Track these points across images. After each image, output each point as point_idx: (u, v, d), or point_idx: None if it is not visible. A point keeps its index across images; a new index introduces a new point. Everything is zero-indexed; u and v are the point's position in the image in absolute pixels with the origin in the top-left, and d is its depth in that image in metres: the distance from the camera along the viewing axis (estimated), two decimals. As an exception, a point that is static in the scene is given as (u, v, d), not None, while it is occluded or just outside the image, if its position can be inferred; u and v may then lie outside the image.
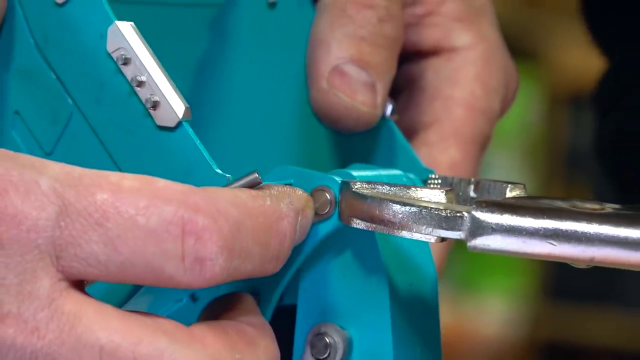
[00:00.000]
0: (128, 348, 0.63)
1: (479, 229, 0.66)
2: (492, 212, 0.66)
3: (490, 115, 0.81)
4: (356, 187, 0.68)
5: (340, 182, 0.69)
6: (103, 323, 0.63)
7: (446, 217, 0.66)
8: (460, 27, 0.82)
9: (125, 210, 0.63)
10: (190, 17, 0.79)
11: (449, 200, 0.68)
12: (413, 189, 0.69)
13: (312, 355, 0.69)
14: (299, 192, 0.68)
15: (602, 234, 0.65)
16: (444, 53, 0.82)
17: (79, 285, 0.64)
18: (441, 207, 0.67)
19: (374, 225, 0.68)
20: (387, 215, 0.67)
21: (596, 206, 0.66)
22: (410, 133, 0.79)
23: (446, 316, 3.53)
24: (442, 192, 0.69)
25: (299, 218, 0.67)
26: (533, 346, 3.46)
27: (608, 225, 0.65)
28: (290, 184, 0.69)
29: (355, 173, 0.70)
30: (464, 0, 0.83)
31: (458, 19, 0.82)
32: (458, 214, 0.66)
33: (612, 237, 0.65)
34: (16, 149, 0.72)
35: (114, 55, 0.68)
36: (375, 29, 0.77)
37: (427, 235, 0.67)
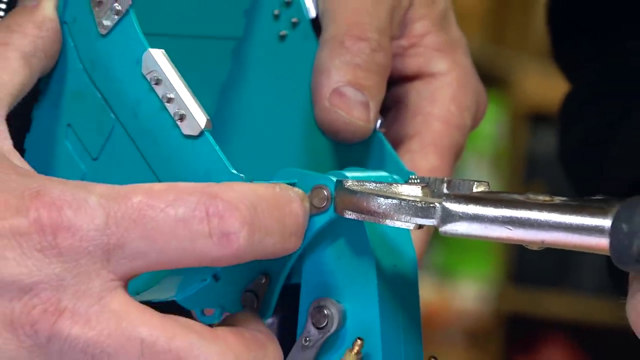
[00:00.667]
0: (165, 341, 0.62)
1: (449, 217, 0.66)
2: (459, 202, 0.66)
3: (463, 130, 0.80)
4: (348, 184, 0.68)
5: (335, 181, 0.68)
6: (144, 320, 0.63)
7: (421, 207, 0.66)
8: (438, 56, 0.81)
9: (157, 205, 0.63)
10: (214, 48, 0.79)
11: (424, 194, 0.67)
12: (395, 185, 0.69)
13: (313, 324, 0.69)
14: (296, 188, 0.67)
15: (550, 220, 0.64)
16: (424, 77, 0.81)
17: (125, 287, 0.64)
18: (417, 199, 0.67)
19: (363, 216, 0.68)
20: (373, 207, 0.67)
21: (547, 198, 0.66)
22: (396, 143, 0.78)
23: (430, 295, 3.55)
24: (419, 187, 0.69)
25: (305, 204, 0.67)
26: (499, 319, 3.51)
27: (556, 213, 0.64)
28: (294, 183, 0.68)
29: (348, 174, 0.70)
30: (442, 33, 0.81)
31: (437, 50, 0.81)
32: (431, 205, 0.66)
33: (559, 223, 0.65)
34: (68, 155, 0.72)
35: (148, 77, 0.68)
36: (368, 57, 0.77)
37: (407, 223, 0.67)
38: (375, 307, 0.69)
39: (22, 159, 0.67)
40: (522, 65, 3.25)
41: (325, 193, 0.68)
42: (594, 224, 0.65)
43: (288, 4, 0.79)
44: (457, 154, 0.79)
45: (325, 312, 0.68)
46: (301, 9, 0.78)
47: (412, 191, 0.69)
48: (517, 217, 0.66)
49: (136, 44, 0.68)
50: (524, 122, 3.34)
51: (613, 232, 0.64)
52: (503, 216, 0.65)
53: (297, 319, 0.70)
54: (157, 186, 0.64)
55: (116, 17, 0.69)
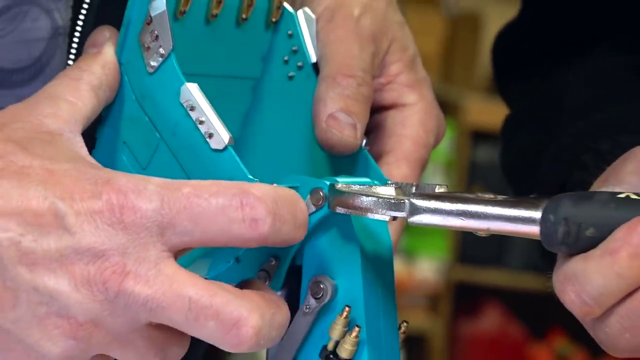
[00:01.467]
0: (207, 298, 0.61)
1: (415, 210, 0.66)
2: (424, 199, 0.66)
3: (428, 147, 0.79)
4: (338, 186, 0.67)
5: (328, 184, 0.67)
6: (191, 282, 0.62)
7: (394, 203, 0.66)
8: (409, 91, 0.79)
9: (202, 195, 0.62)
10: (238, 85, 0.78)
11: (397, 193, 0.68)
12: (374, 187, 0.69)
13: (312, 295, 0.69)
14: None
15: (494, 213, 0.64)
16: (398, 107, 0.79)
17: (175, 258, 0.63)
18: (391, 197, 0.66)
19: (350, 210, 0.67)
20: (357, 203, 0.66)
21: (491, 196, 0.66)
22: (377, 157, 0.77)
23: (398, 269, 3.64)
24: (392, 188, 0.69)
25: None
26: (449, 288, 3.51)
27: (498, 207, 0.64)
28: (297, 187, 0.68)
29: (339, 180, 0.69)
30: (412, 73, 0.80)
31: (407, 86, 0.79)
32: (402, 201, 0.66)
33: (501, 214, 0.65)
34: (124, 166, 0.71)
35: (184, 104, 0.67)
36: (355, 90, 0.75)
37: (383, 215, 0.66)
38: (360, 282, 0.68)
39: (94, 160, 0.66)
40: (466, 96, 3.28)
41: (321, 194, 0.67)
42: (528, 215, 0.64)
43: (295, 52, 0.77)
44: (423, 166, 0.79)
45: (321, 286, 0.68)
46: (305, 56, 0.77)
47: (387, 191, 0.68)
48: (469, 210, 0.65)
49: (176, 80, 0.67)
50: (468, 138, 3.37)
51: (542, 222, 0.64)
52: (457, 209, 0.65)
53: (299, 292, 0.69)
54: (204, 182, 0.63)
55: (160, 59, 0.68)
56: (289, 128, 0.77)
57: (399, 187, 0.69)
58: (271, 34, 0.76)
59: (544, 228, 0.63)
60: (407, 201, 0.65)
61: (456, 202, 0.65)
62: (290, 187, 0.67)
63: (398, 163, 0.77)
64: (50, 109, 0.66)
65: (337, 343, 0.66)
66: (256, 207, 0.61)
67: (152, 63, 0.67)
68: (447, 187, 0.68)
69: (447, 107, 3.16)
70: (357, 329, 0.66)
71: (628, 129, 0.83)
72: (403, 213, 0.66)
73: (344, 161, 0.75)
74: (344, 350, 0.66)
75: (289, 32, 0.76)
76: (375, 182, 0.71)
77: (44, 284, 0.60)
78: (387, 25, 0.78)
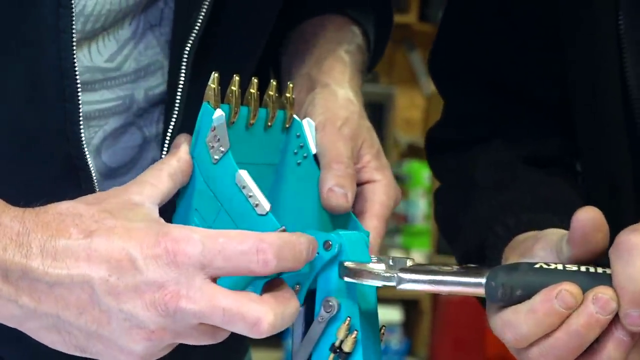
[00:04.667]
0: (237, 307, 0.66)
1: (401, 281, 0.72)
2: (406, 273, 0.72)
3: (390, 209, 0.84)
4: (346, 264, 0.72)
5: (338, 235, 0.73)
6: (224, 296, 0.66)
7: (387, 277, 0.72)
8: (376, 172, 0.85)
9: (231, 243, 0.67)
10: (267, 169, 0.82)
11: (387, 268, 0.73)
12: (371, 264, 0.73)
13: (324, 310, 0.75)
14: (310, 236, 0.70)
15: (452, 280, 0.71)
16: (370, 183, 0.85)
17: (214, 282, 0.67)
18: (383, 272, 0.73)
19: (354, 279, 0.73)
20: (360, 276, 0.73)
21: (449, 268, 0.71)
22: (357, 215, 0.83)
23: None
24: (384, 264, 0.74)
25: (310, 247, 0.70)
26: None
27: (454, 276, 0.71)
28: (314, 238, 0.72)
29: (341, 232, 0.75)
30: (377, 161, 0.86)
31: (375, 169, 0.85)
32: (392, 275, 0.72)
33: (457, 281, 0.71)
34: (195, 225, 0.76)
35: (238, 184, 0.73)
36: (345, 172, 0.82)
37: (378, 283, 0.72)
38: (356, 302, 0.75)
39: (163, 220, 0.70)
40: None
41: (331, 242, 0.75)
42: (475, 281, 0.71)
43: (301, 147, 0.83)
44: (387, 222, 0.84)
45: (330, 303, 0.75)
46: (308, 149, 0.83)
47: (380, 267, 0.73)
48: (435, 280, 0.71)
49: (232, 168, 0.74)
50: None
51: (486, 286, 0.71)
52: (428, 279, 0.71)
53: (314, 307, 0.75)
54: (232, 232, 0.67)
55: (221, 153, 0.74)
56: (301, 197, 0.82)
57: (382, 261, 0.74)
58: (285, 135, 0.82)
59: (488, 290, 0.71)
60: (396, 275, 0.71)
61: (427, 274, 0.71)
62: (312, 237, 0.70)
63: (371, 219, 0.83)
64: (137, 189, 0.71)
65: (341, 342, 0.74)
66: (267, 253, 0.66)
67: (215, 157, 0.74)
68: (413, 260, 0.74)
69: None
70: (355, 332, 0.74)
71: (526, 209, 0.87)
72: (393, 283, 0.71)
73: (339, 218, 0.81)
74: (347, 347, 0.74)
75: (297, 134, 0.82)
76: (362, 232, 0.78)
77: (126, 308, 0.66)
78: (360, 130, 0.85)
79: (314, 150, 0.83)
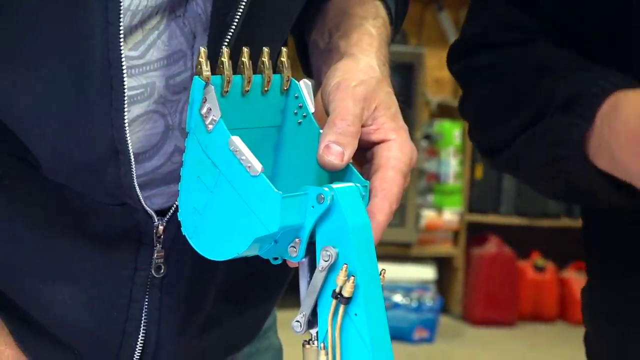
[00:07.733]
0: None
1: None
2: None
3: (406, 165, 0.83)
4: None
5: (329, 189, 0.75)
6: None
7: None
8: (391, 132, 0.84)
9: None
10: (267, 132, 0.83)
11: None
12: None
13: (323, 259, 0.76)
14: None
15: None
16: (384, 141, 0.84)
17: None
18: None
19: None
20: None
21: None
22: (374, 170, 0.82)
23: (434, 216, 4.52)
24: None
25: None
26: (464, 225, 4.54)
27: None
28: (307, 193, 0.76)
29: (333, 185, 0.76)
30: (393, 122, 0.85)
31: (390, 129, 0.84)
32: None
33: None
34: (199, 191, 0.77)
35: (232, 149, 0.75)
36: (345, 129, 0.81)
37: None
38: (352, 249, 0.76)
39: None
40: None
41: (323, 195, 0.76)
42: None
43: (300, 107, 0.83)
44: (406, 176, 0.82)
45: (328, 252, 0.76)
46: (307, 109, 0.83)
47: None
48: None
49: (225, 134, 0.76)
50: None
51: None
52: None
53: (315, 257, 0.77)
54: None
55: (215, 122, 0.76)
56: (301, 156, 0.83)
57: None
58: (285, 97, 0.82)
59: None
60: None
61: None
62: (302, 194, 0.74)
63: (387, 170, 0.82)
64: None
65: (341, 288, 0.75)
66: None
67: (210, 126, 0.76)
68: None
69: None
70: (353, 277, 0.75)
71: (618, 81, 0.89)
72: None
73: (338, 173, 0.81)
74: (346, 292, 0.75)
75: (295, 95, 0.83)
76: (358, 184, 0.78)
77: None
78: (376, 93, 0.84)
79: (312, 109, 0.83)
